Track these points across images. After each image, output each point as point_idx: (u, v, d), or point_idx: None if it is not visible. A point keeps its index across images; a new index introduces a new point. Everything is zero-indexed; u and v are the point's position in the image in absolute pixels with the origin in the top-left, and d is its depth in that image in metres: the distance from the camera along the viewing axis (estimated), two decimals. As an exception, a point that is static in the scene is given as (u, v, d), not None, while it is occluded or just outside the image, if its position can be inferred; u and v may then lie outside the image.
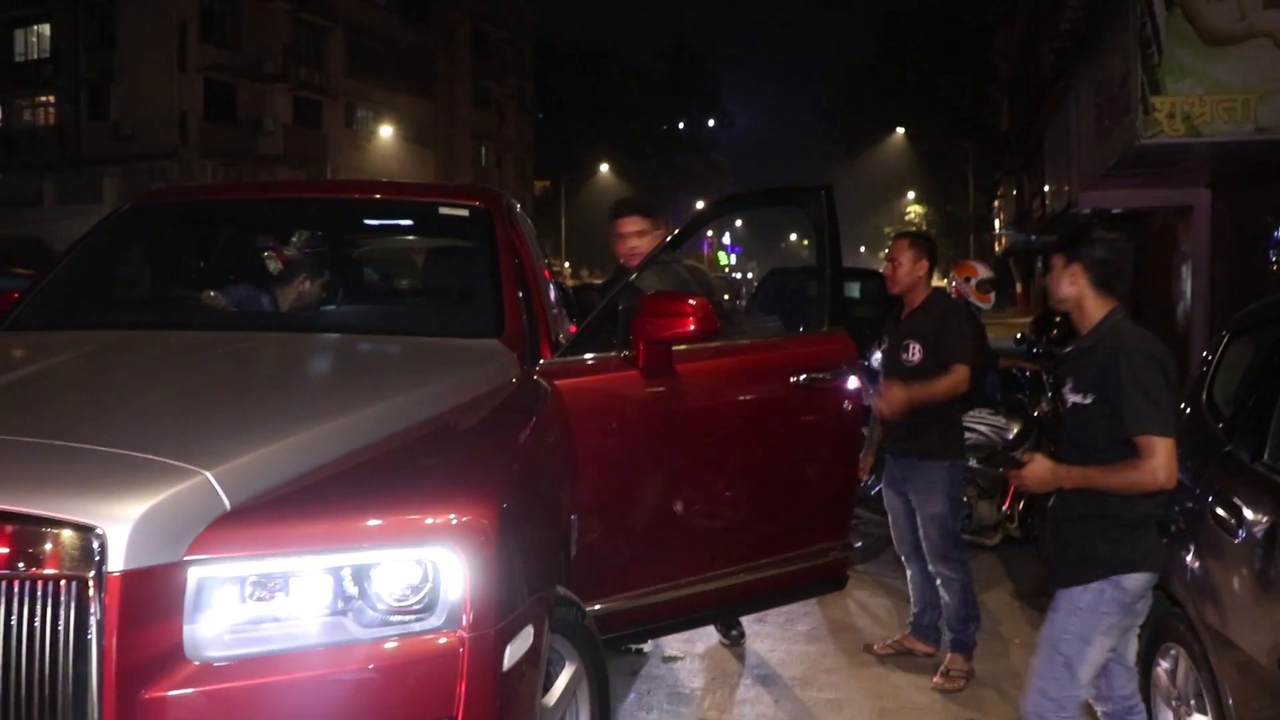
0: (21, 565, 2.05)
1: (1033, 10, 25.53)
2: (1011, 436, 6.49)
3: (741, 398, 4.31)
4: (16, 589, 2.05)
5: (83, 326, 3.75)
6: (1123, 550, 3.20)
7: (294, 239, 4.38)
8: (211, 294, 4.08)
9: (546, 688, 2.97)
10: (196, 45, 36.26)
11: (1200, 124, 12.10)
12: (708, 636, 5.34)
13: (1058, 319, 6.95)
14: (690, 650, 5.22)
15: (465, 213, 4.44)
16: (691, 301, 3.79)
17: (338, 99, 43.55)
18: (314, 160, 39.81)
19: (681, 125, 78.26)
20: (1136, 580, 3.21)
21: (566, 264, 58.47)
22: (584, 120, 63.61)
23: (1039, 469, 3.33)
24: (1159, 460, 3.08)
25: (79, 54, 36.93)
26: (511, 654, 2.40)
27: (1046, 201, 24.18)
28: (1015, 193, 32.92)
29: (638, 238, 5.03)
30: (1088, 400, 3.24)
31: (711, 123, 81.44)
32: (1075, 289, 3.33)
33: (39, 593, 2.05)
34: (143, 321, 3.91)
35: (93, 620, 2.05)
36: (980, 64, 40.69)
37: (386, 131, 42.78)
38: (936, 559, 5.02)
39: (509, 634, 2.40)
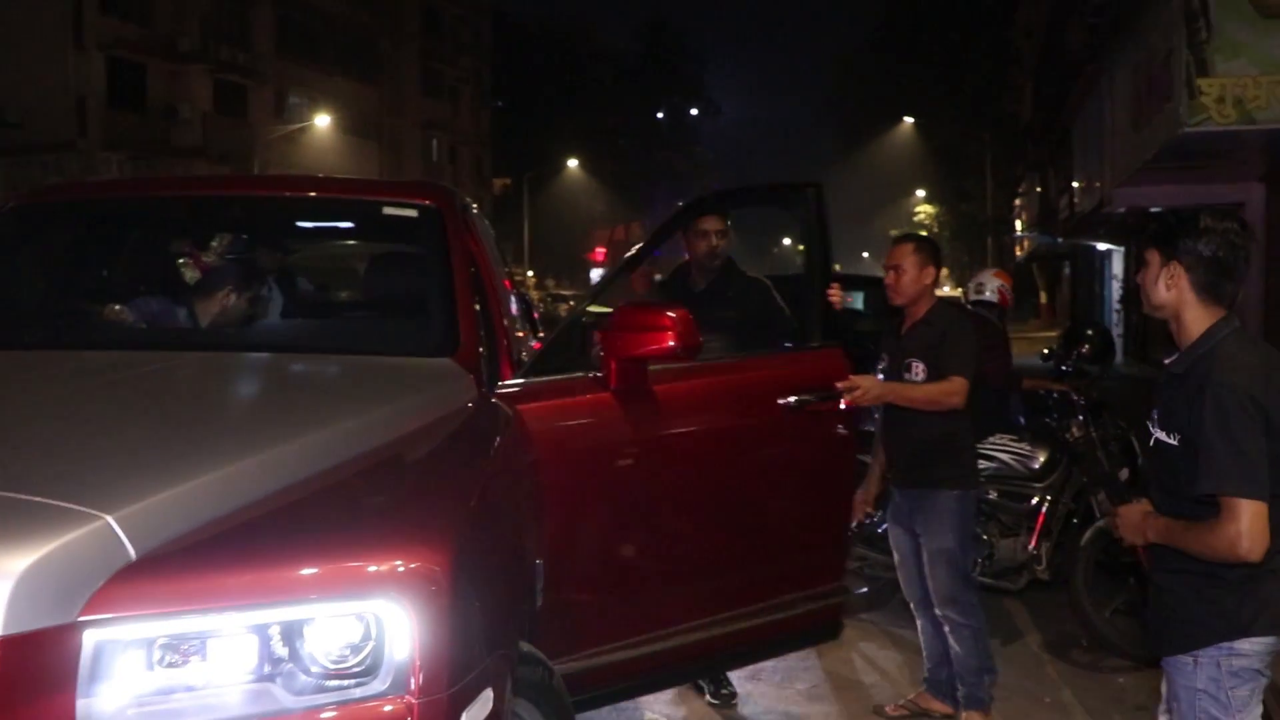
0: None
1: (1059, -18, 25.74)
2: (1038, 466, 6.50)
3: (724, 423, 4.31)
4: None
5: None
6: (1228, 612, 3.03)
7: (214, 244, 4.35)
8: (116, 308, 4.03)
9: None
10: (96, 17, 35.53)
11: (1254, 109, 12.22)
12: (694, 697, 5.32)
13: (1089, 332, 6.98)
14: (674, 714, 5.19)
15: (413, 213, 4.42)
16: (670, 313, 3.77)
17: (266, 83, 43.43)
18: (239, 154, 39.58)
19: (660, 115, 78.47)
20: (1255, 644, 3.03)
21: (530, 273, 58.46)
22: (549, 109, 63.67)
23: (1134, 514, 3.20)
24: (1240, 527, 2.86)
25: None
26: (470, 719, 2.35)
27: (1075, 200, 24.39)
28: (1039, 190, 33.23)
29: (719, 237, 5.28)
30: (1172, 440, 3.05)
31: (694, 112, 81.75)
32: (1174, 294, 3.09)
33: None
34: (31, 340, 3.85)
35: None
36: (1000, 43, 41.09)
37: (323, 121, 42.64)
38: (944, 601, 5.02)
39: (465, 699, 2.35)
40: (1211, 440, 2.90)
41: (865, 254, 79.82)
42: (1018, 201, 39.35)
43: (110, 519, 2.19)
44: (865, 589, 6.83)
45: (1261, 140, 13.30)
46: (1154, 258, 3.13)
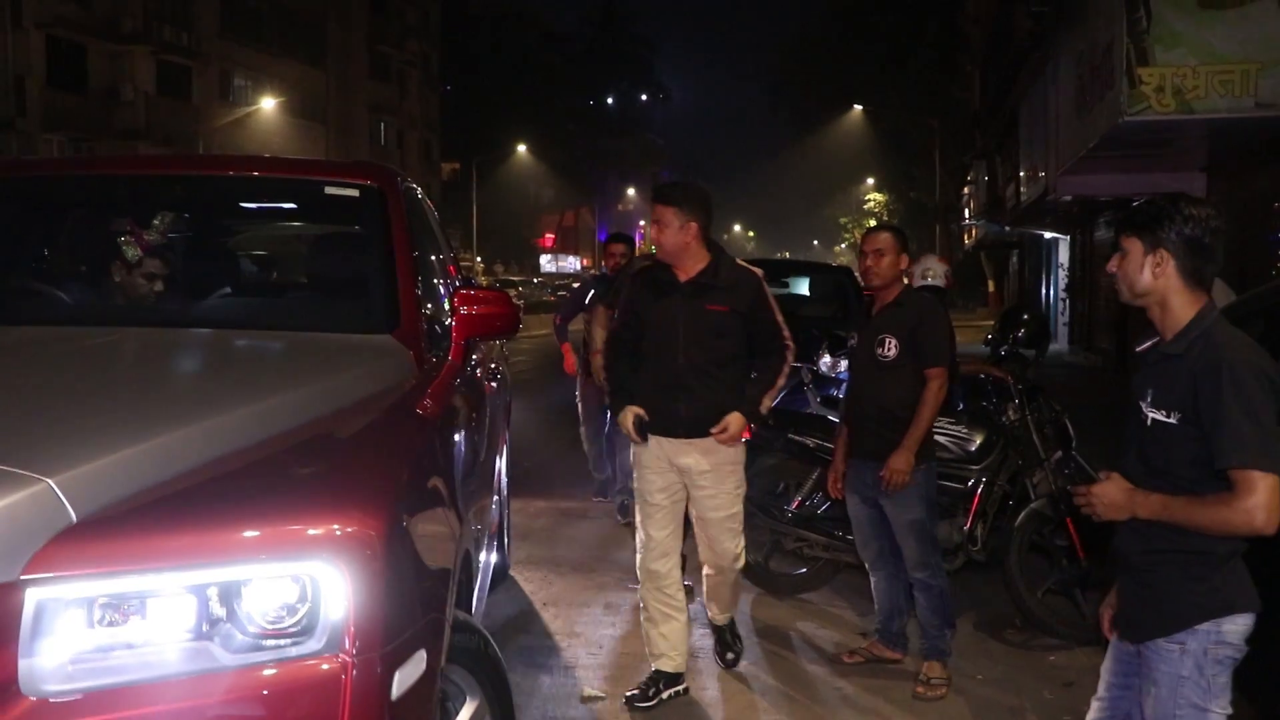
0: None
1: (1007, -30, 25.96)
2: (974, 449, 6.63)
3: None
4: None
5: None
6: (1216, 590, 3.07)
7: (155, 222, 4.41)
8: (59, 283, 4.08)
9: (444, 728, 3.03)
10: (35, -5, 35.40)
11: (1193, 99, 12.35)
12: (630, 674, 5.42)
13: (1025, 317, 7.13)
14: (612, 691, 5.29)
15: (355, 193, 4.53)
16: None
17: (210, 64, 43.06)
18: (182, 136, 39.31)
19: (610, 100, 78.46)
20: (1237, 625, 3.08)
21: (479, 259, 58.31)
22: (498, 93, 63.54)
23: (1113, 491, 3.16)
24: (1258, 500, 2.90)
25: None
26: (401, 681, 2.44)
27: (1021, 188, 24.65)
28: (987, 178, 33.48)
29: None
30: (1171, 419, 3.07)
31: (644, 98, 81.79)
32: (1161, 280, 3.13)
33: None
34: None
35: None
36: (949, 30, 41.33)
37: (269, 104, 42.39)
38: (916, 565, 5.43)
39: (398, 658, 2.44)
40: (1232, 416, 2.92)
41: (815, 242, 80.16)
42: (966, 189, 39.61)
43: (51, 482, 2.26)
44: (804, 569, 6.96)
45: (1202, 130, 13.47)
46: (1135, 246, 3.16)
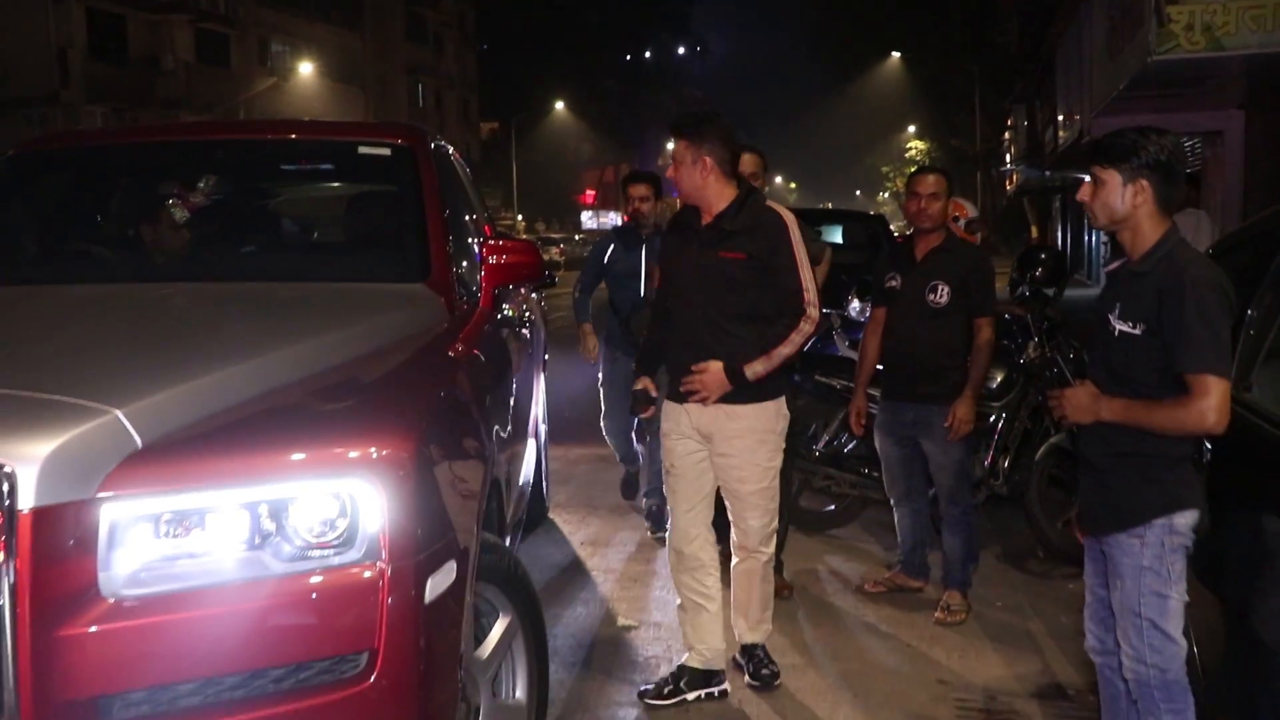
0: (-67, 503, 2.37)
1: (1042, -88, 25.74)
2: (995, 386, 6.82)
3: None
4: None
5: None
6: (1169, 489, 3.37)
7: (201, 185, 4.70)
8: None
9: (479, 640, 3.32)
10: (72, -32, 35.82)
11: (1223, 35, 12.30)
12: (663, 606, 5.69)
13: (1042, 255, 7.31)
14: (645, 619, 5.57)
15: (386, 151, 4.77)
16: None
17: (248, 31, 43.39)
18: (223, 103, 39.66)
19: (647, 55, 78.22)
20: (1187, 518, 3.37)
21: (519, 217, 58.52)
22: (535, 51, 63.59)
23: (1082, 395, 3.46)
24: (1212, 402, 3.18)
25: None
26: (434, 587, 2.73)
27: (1060, 131, 24.57)
28: (1026, 123, 33.29)
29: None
30: (1136, 330, 3.35)
31: (681, 51, 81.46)
32: (1140, 207, 3.38)
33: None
34: (33, 276, 4.20)
35: (6, 556, 2.37)
36: (986, -26, 41.04)
37: (307, 69, 42.73)
38: (950, 501, 5.67)
39: (430, 567, 2.73)
40: (1195, 329, 3.21)
41: (858, 192, 79.69)
42: (1006, 135, 39.42)
43: (119, 413, 2.57)
44: (832, 506, 7.21)
45: (1239, 66, 13.41)
46: (1114, 177, 3.40)
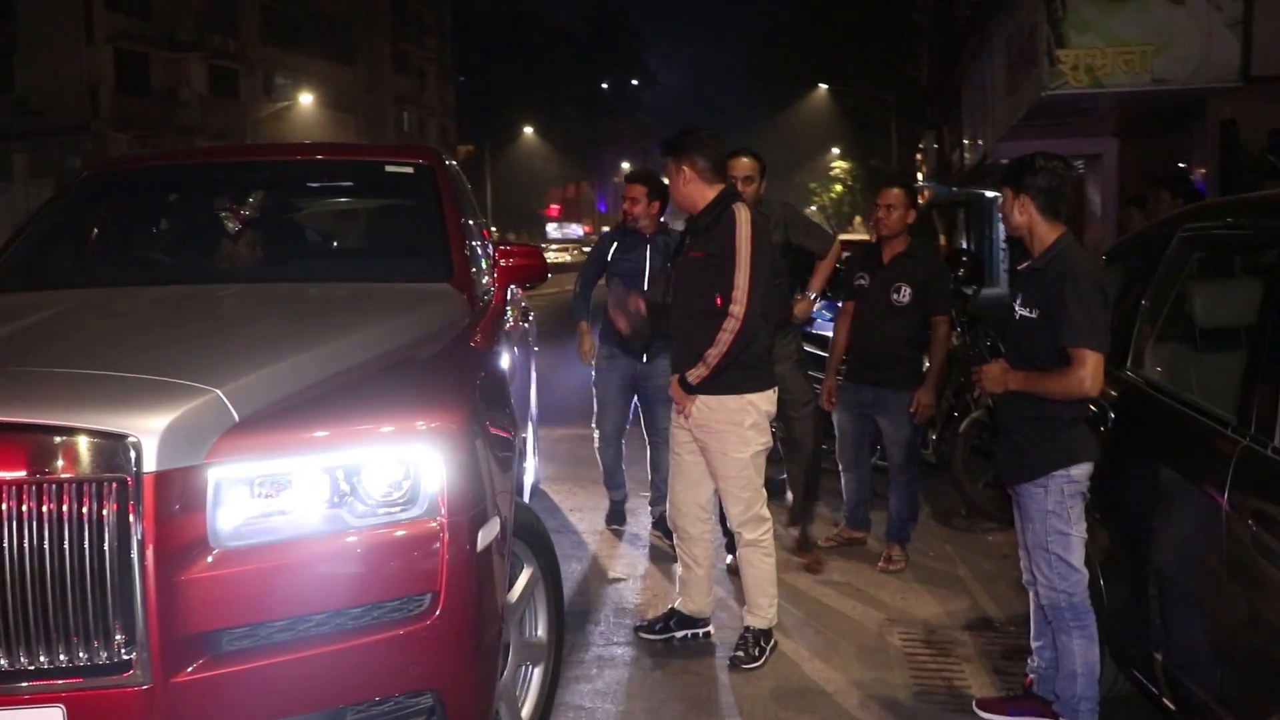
0: (72, 470, 2.44)
1: (948, -35, 26.04)
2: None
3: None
4: (69, 490, 2.43)
5: (57, 287, 4.02)
6: (1064, 446, 3.62)
7: (250, 200, 4.75)
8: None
9: (510, 586, 3.41)
10: (104, 14, 35.56)
11: (1102, 75, 12.71)
12: (645, 561, 5.81)
13: (964, 258, 7.46)
14: (632, 572, 5.68)
15: (411, 170, 4.84)
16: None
17: (255, 67, 43.09)
18: (233, 130, 39.41)
19: (605, 85, 78.22)
20: (1082, 469, 3.62)
21: (493, 229, 58.36)
22: (506, 83, 63.47)
23: (995, 370, 3.75)
24: (1087, 371, 3.47)
25: (-25, 26, 35.99)
26: (483, 538, 2.83)
27: (965, 153, 24.84)
28: (936, 146, 33.60)
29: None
30: (1034, 315, 3.63)
31: (635, 83, 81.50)
32: (1026, 217, 3.68)
33: (92, 491, 2.44)
34: (120, 279, 4.19)
35: (134, 514, 2.44)
36: (900, 19, 41.28)
37: (307, 99, 42.44)
38: (899, 470, 5.80)
39: (480, 520, 2.83)
40: (1072, 311, 3.49)
41: (788, 206, 79.84)
42: (918, 156, 39.72)
43: (220, 392, 2.66)
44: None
45: (1112, 101, 13.84)
46: (1008, 193, 3.73)
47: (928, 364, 5.83)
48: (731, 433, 4.38)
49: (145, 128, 36.93)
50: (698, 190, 4.40)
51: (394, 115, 55.65)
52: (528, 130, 63.00)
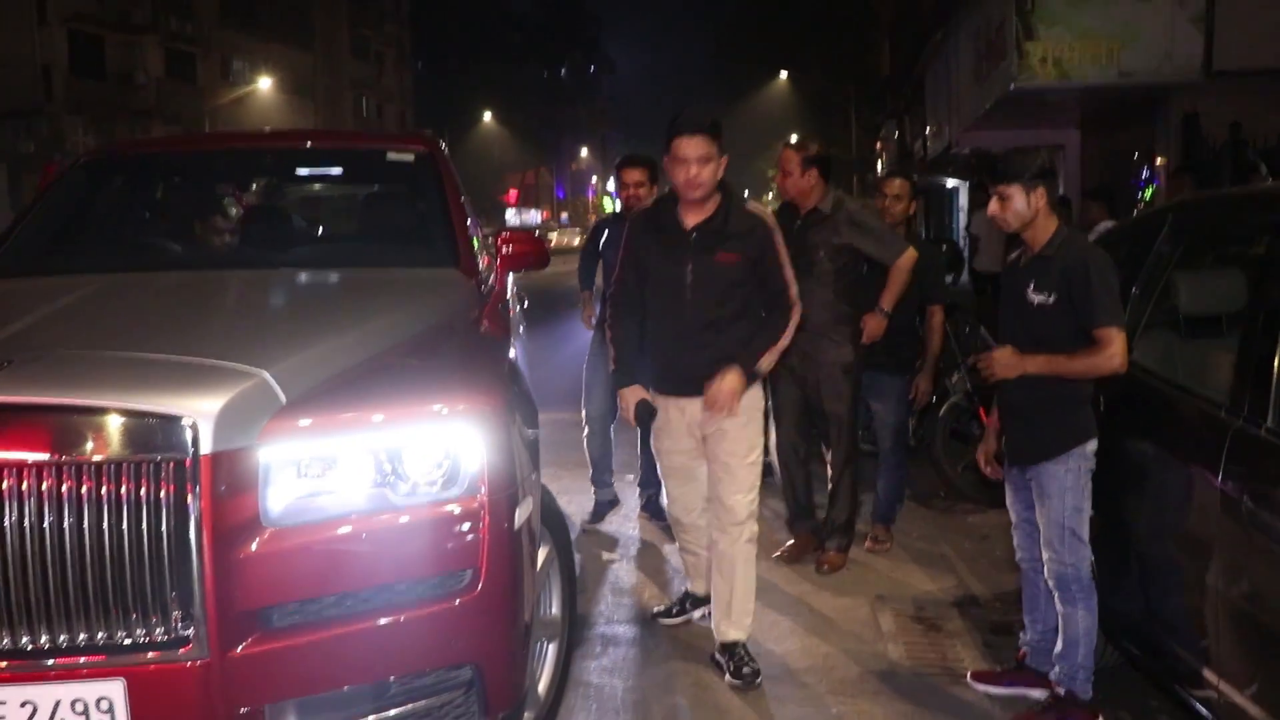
0: (131, 451, 2.52)
1: (912, -46, 26.21)
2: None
3: None
4: (128, 470, 2.51)
5: (69, 273, 3.97)
6: (1080, 423, 3.76)
7: (254, 186, 4.79)
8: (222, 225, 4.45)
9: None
10: (57, -7, 34.98)
11: (1069, 68, 12.95)
12: (635, 543, 5.92)
13: (944, 247, 7.63)
14: (626, 553, 5.80)
15: (411, 156, 4.88)
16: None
17: (212, 50, 42.62)
18: (189, 114, 38.94)
19: (563, 72, 78.02)
20: (1092, 445, 3.76)
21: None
22: (464, 69, 63.13)
23: (1007, 356, 3.80)
24: (1117, 348, 3.61)
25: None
26: (519, 516, 2.93)
27: (927, 143, 25.11)
28: (897, 135, 33.86)
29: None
30: (1050, 300, 3.74)
31: (593, 69, 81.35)
32: (1037, 208, 3.78)
33: (150, 472, 2.52)
34: (131, 265, 4.18)
35: (191, 493, 2.52)
36: (862, 7, 41.55)
37: (265, 83, 42.01)
38: (888, 453, 5.89)
39: (515, 499, 2.93)
40: (1098, 293, 3.63)
41: (746, 192, 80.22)
42: (879, 144, 40.03)
43: (269, 374, 2.73)
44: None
45: (1077, 94, 14.08)
46: (1017, 190, 3.78)
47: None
48: (755, 419, 4.31)
49: (100, 111, 36.40)
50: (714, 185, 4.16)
51: (352, 100, 55.26)
52: (486, 116, 62.79)
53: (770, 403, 5.55)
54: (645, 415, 4.34)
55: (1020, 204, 3.80)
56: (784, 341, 4.23)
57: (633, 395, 4.34)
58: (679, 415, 4.33)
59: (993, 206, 3.88)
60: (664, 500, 4.82)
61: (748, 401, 4.23)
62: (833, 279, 5.31)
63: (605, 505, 6.49)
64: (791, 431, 5.66)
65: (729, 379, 4.10)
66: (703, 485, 4.45)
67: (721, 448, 4.26)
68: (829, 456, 5.61)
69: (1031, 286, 3.83)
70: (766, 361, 4.22)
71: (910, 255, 5.42)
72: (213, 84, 42.23)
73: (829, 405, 5.42)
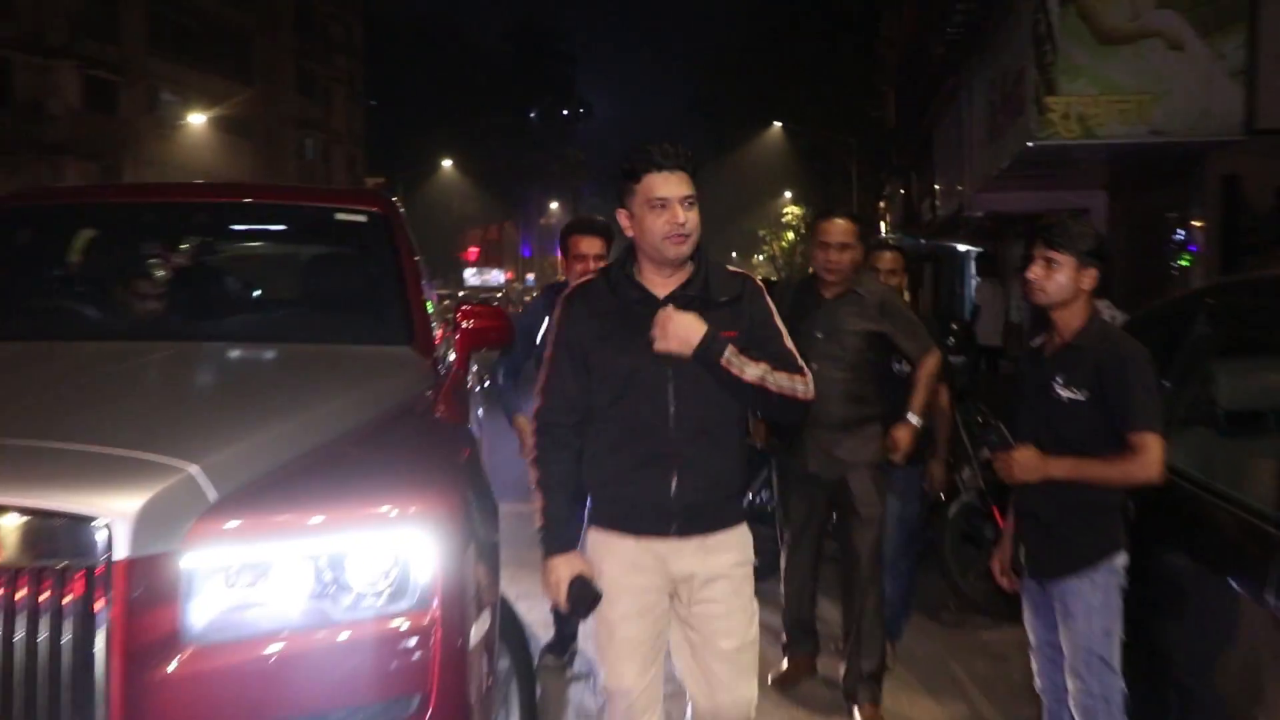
0: (33, 556, 2.48)
1: (922, -3, 26.68)
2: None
3: None
4: (29, 578, 2.47)
5: None
6: (1109, 533, 3.74)
7: (183, 245, 4.78)
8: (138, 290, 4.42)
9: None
10: (-44, 10, 34.92)
11: (1094, 125, 13.12)
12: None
13: (954, 327, 7.68)
14: (594, 669, 5.72)
15: (364, 218, 4.89)
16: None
17: (138, 80, 42.64)
18: (110, 151, 38.90)
19: (532, 115, 78.61)
20: (1123, 559, 3.73)
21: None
22: (423, 110, 63.61)
23: (1029, 456, 3.78)
24: (1153, 455, 3.59)
25: None
26: (475, 633, 2.91)
27: (936, 203, 25.40)
28: (903, 193, 34.28)
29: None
30: (1081, 396, 3.72)
31: (566, 114, 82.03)
32: (1083, 290, 3.77)
33: (54, 581, 2.48)
34: (37, 333, 4.18)
35: (102, 605, 2.48)
36: (865, 52, 42.22)
37: (198, 119, 42.14)
38: (899, 555, 5.83)
39: (471, 615, 2.91)
40: (1138, 395, 3.62)
41: (734, 254, 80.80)
42: (882, 204, 40.52)
43: (197, 469, 2.70)
44: (755, 561, 7.40)
45: (1103, 153, 14.26)
46: (1069, 260, 3.75)
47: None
48: (751, 575, 3.57)
49: (5, 143, 36.25)
50: None
51: (295, 141, 55.47)
52: (446, 163, 63.10)
53: (780, 523, 5.63)
54: (582, 598, 3.35)
55: (1067, 278, 3.78)
56: (786, 384, 3.32)
57: (566, 567, 3.36)
58: (651, 563, 3.40)
59: (1036, 270, 3.83)
60: (593, 696, 4.24)
61: (736, 555, 3.50)
62: (866, 369, 5.17)
63: (567, 637, 5.87)
64: (809, 554, 5.56)
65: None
66: (660, 677, 3.52)
67: (710, 628, 3.44)
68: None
69: (1060, 380, 3.81)
70: (752, 371, 3.28)
71: (936, 358, 5.35)
72: (137, 117, 42.26)
73: (862, 510, 5.16)
